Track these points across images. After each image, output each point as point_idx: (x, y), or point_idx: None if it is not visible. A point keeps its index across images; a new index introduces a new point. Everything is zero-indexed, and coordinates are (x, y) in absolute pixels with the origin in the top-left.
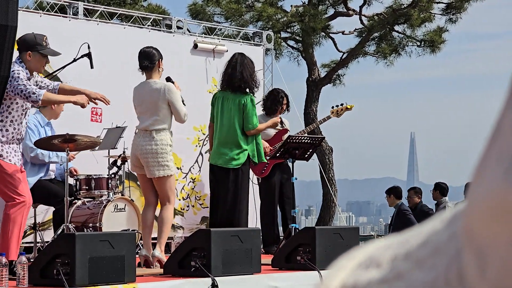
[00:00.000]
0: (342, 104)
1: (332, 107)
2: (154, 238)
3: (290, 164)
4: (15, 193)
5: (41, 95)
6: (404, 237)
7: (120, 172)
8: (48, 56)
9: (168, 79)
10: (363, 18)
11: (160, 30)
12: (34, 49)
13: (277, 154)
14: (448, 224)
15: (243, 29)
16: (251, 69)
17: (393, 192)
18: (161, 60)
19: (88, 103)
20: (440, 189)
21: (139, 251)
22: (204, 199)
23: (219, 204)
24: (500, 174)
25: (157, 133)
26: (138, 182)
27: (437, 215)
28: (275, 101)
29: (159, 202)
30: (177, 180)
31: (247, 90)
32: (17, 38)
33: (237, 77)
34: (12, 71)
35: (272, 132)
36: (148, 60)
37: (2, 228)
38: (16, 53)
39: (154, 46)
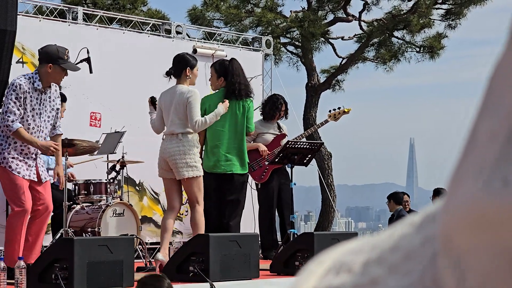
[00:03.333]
0: (339, 108)
1: (330, 111)
2: (158, 243)
3: (289, 170)
4: (16, 202)
5: (14, 129)
6: (374, 240)
7: (119, 177)
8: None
9: (153, 99)
10: (362, 23)
11: (159, 35)
12: (55, 63)
13: (276, 160)
14: (418, 229)
15: (242, 34)
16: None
17: (393, 198)
18: (189, 69)
19: (53, 153)
20: (439, 195)
21: (155, 256)
22: None
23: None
24: (479, 185)
25: (184, 135)
26: (137, 187)
27: (405, 219)
28: (274, 107)
29: (181, 207)
30: None
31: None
32: (39, 48)
33: (242, 85)
34: (11, 83)
35: (270, 137)
36: (174, 66)
37: (5, 235)
38: (15, 57)
39: (154, 50)
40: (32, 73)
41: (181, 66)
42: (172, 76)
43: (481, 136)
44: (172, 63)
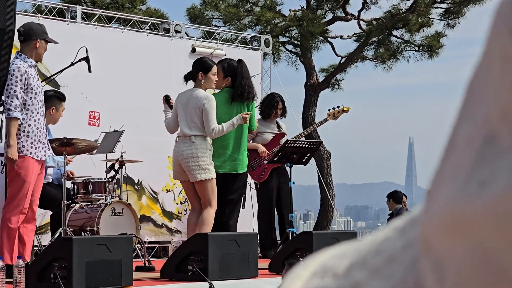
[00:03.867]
0: (338, 107)
1: (329, 110)
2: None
3: (288, 169)
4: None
5: (13, 116)
6: (359, 245)
7: (118, 176)
8: (45, 59)
9: (167, 97)
10: (361, 22)
11: (158, 34)
12: (41, 37)
13: (275, 159)
14: (401, 233)
15: (241, 34)
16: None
17: (393, 197)
18: (203, 73)
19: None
20: None
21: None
22: None
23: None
24: (456, 189)
25: (196, 138)
26: (135, 186)
27: (389, 223)
28: (270, 105)
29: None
30: (174, 184)
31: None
32: (19, 27)
33: (251, 88)
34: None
35: (269, 136)
36: (191, 70)
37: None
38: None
39: (153, 49)
40: (17, 55)
41: (195, 70)
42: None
43: (459, 140)
44: (192, 66)
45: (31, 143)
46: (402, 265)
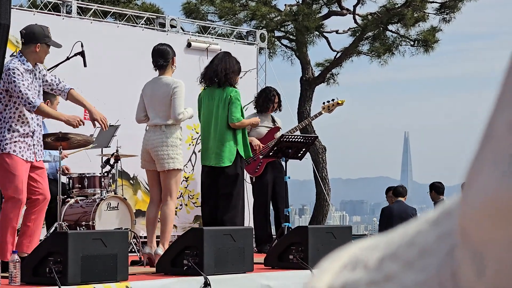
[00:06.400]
0: (333, 100)
1: (324, 103)
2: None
3: (283, 163)
4: (13, 191)
5: (35, 106)
6: (389, 237)
7: (113, 171)
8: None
9: None
10: (357, 17)
11: (153, 29)
12: (42, 41)
13: (270, 153)
14: (434, 224)
15: (236, 28)
16: (230, 64)
17: (393, 191)
18: (175, 58)
19: (79, 125)
20: (435, 189)
21: (142, 249)
22: (197, 198)
23: (215, 204)
24: (498, 176)
25: (167, 127)
26: (131, 181)
27: (421, 215)
28: (267, 99)
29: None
30: None
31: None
32: (21, 29)
33: (212, 69)
34: (8, 67)
35: (264, 130)
36: (163, 58)
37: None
38: (9, 51)
39: (148, 44)
40: (17, 55)
41: (169, 57)
42: (156, 68)
43: (499, 128)
44: (158, 55)
45: (15, 142)
46: (436, 257)
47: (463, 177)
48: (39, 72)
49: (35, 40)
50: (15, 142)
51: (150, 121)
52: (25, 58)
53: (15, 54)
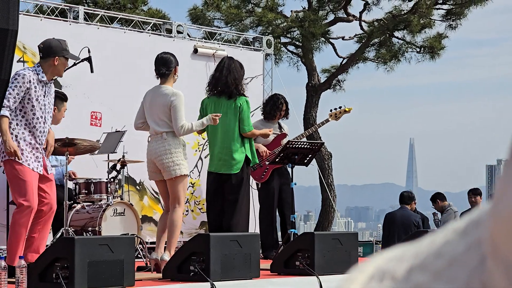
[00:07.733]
0: (340, 107)
1: (331, 110)
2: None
3: (289, 169)
4: (23, 198)
5: (0, 114)
6: (416, 248)
7: (120, 176)
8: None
9: None
10: (363, 23)
11: (160, 35)
12: (61, 55)
13: (277, 159)
14: (462, 235)
15: (243, 34)
16: (238, 73)
17: (439, 198)
18: (177, 67)
19: (12, 157)
20: (439, 198)
21: (149, 254)
22: (203, 204)
23: (221, 210)
24: None
25: (168, 134)
26: (137, 187)
27: (448, 224)
28: (274, 107)
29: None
30: None
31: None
32: (39, 44)
33: (222, 81)
34: (16, 73)
35: (270, 137)
36: (165, 67)
37: (10, 232)
38: (16, 57)
39: (155, 50)
40: (34, 66)
41: (172, 66)
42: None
43: None
44: (161, 63)
45: (22, 150)
46: (466, 268)
47: (493, 188)
48: (52, 89)
49: (53, 53)
50: (22, 150)
51: (150, 131)
52: (41, 69)
53: (22, 59)
